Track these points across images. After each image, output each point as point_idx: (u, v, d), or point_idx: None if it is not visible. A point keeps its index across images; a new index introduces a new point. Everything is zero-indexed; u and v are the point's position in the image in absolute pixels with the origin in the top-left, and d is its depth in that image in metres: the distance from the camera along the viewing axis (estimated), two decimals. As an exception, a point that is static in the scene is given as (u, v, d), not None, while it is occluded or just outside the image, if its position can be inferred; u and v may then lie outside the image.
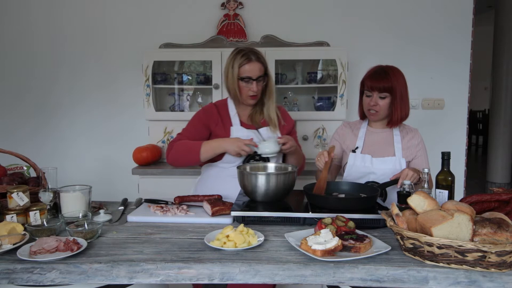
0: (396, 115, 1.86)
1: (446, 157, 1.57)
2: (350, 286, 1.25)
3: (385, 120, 1.93)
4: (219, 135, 1.92)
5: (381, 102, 1.84)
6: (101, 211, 1.62)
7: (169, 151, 1.89)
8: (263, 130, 1.95)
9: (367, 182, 1.83)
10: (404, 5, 3.32)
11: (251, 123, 1.97)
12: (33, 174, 1.83)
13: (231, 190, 1.84)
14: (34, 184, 1.72)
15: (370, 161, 1.88)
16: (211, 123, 1.94)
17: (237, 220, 1.54)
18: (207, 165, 2.02)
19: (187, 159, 1.86)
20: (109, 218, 1.59)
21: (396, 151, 1.90)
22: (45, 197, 1.60)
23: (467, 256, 1.11)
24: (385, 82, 1.81)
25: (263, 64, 1.88)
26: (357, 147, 1.92)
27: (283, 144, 1.82)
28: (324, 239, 1.23)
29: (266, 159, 1.88)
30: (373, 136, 1.95)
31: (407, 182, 1.60)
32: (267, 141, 1.80)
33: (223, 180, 1.94)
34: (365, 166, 1.88)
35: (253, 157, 1.88)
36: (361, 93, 1.93)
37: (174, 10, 3.40)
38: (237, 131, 1.92)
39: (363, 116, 1.98)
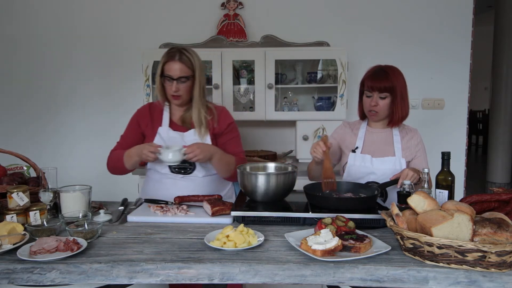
0: (397, 115, 1.86)
1: (446, 157, 1.57)
2: (350, 286, 1.25)
3: (385, 120, 1.93)
4: (147, 136, 1.90)
5: (381, 102, 1.84)
6: (101, 211, 1.62)
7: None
8: (189, 133, 1.89)
9: (367, 183, 1.83)
10: (404, 5, 3.32)
11: (182, 125, 1.91)
12: (33, 174, 1.83)
13: (167, 194, 1.84)
14: (34, 184, 1.72)
15: (370, 161, 1.88)
16: (142, 124, 1.92)
17: (237, 220, 1.54)
18: (149, 166, 1.97)
19: (118, 168, 1.87)
20: (109, 218, 1.59)
21: (396, 151, 1.89)
22: (45, 197, 1.60)
23: (467, 256, 1.11)
24: (385, 82, 1.81)
25: (187, 65, 1.79)
26: (356, 147, 1.92)
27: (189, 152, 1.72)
28: (324, 239, 1.23)
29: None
30: (373, 136, 1.95)
31: (407, 182, 1.60)
32: (170, 149, 1.71)
33: (159, 183, 1.92)
34: (365, 166, 1.88)
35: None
36: (361, 93, 1.93)
37: (174, 10, 3.40)
38: (163, 132, 1.88)
39: (363, 116, 1.98)
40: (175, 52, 1.80)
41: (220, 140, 1.93)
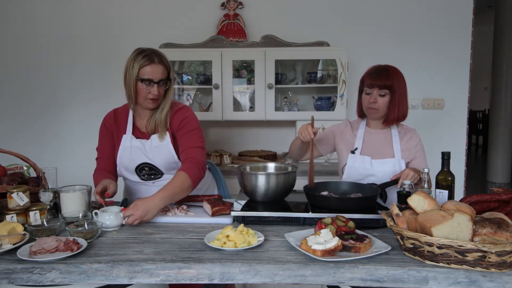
0: (393, 114, 1.85)
1: (446, 157, 1.57)
2: (350, 286, 1.25)
3: (382, 119, 1.92)
4: (115, 144, 1.83)
5: (380, 100, 1.83)
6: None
7: None
8: (151, 140, 1.80)
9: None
10: (404, 5, 3.32)
11: (147, 131, 1.82)
12: (33, 174, 1.83)
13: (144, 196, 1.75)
14: (34, 184, 1.72)
15: (370, 162, 1.87)
16: (110, 131, 1.84)
17: (237, 220, 1.54)
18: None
19: None
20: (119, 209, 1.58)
21: (396, 153, 1.89)
22: (45, 197, 1.60)
23: (467, 256, 1.11)
24: (385, 79, 1.81)
25: (166, 67, 1.75)
26: (356, 148, 1.91)
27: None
28: (324, 239, 1.23)
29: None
30: (372, 137, 1.94)
31: (407, 182, 1.60)
32: (106, 213, 1.50)
33: (134, 190, 1.91)
34: (364, 168, 1.87)
35: (143, 168, 1.82)
36: (360, 92, 1.93)
37: (174, 10, 3.40)
38: (126, 140, 1.80)
39: (361, 114, 1.98)
40: (152, 54, 1.72)
41: (177, 139, 1.82)
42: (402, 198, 1.52)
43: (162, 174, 1.84)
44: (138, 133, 1.84)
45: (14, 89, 3.52)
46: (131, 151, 1.80)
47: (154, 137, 1.80)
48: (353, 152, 1.91)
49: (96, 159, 1.87)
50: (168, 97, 1.80)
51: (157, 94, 1.73)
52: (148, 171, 1.83)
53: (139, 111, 1.84)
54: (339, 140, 1.99)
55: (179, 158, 1.80)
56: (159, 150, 1.79)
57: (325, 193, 1.69)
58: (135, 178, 1.86)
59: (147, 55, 1.71)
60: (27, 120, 3.53)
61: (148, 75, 1.70)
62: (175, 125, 1.81)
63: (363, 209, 1.53)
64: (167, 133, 1.80)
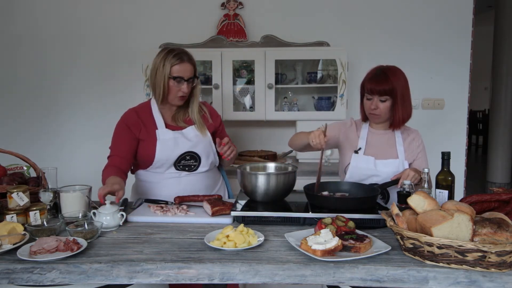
0: (397, 118, 1.83)
1: (446, 157, 1.57)
2: (350, 286, 1.25)
3: (387, 122, 1.92)
4: (145, 140, 1.87)
5: (381, 105, 1.82)
6: (107, 202, 1.59)
7: None
8: (188, 130, 1.91)
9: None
10: (404, 5, 3.32)
11: (175, 124, 1.93)
12: (33, 174, 1.83)
13: (169, 193, 1.84)
14: (34, 184, 1.72)
15: (374, 163, 1.86)
16: (134, 130, 1.87)
17: (237, 220, 1.54)
18: (140, 170, 1.96)
19: None
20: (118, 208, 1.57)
21: (399, 153, 1.88)
22: (45, 197, 1.60)
23: (467, 256, 1.11)
24: (385, 85, 1.78)
25: (193, 65, 1.87)
26: (359, 148, 1.90)
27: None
28: (324, 239, 1.23)
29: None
30: (375, 138, 1.93)
31: (407, 182, 1.60)
32: (108, 213, 1.49)
33: (160, 184, 1.91)
34: (368, 168, 1.86)
35: (184, 157, 1.88)
36: (362, 96, 1.92)
37: (174, 10, 3.40)
38: (163, 133, 1.87)
39: (365, 118, 1.96)
40: (181, 54, 1.83)
41: (216, 135, 1.99)
42: (402, 198, 1.52)
43: (199, 165, 1.92)
44: (170, 127, 1.91)
45: (15, 89, 3.52)
46: (174, 141, 1.87)
47: (191, 129, 1.92)
48: (356, 152, 1.90)
49: (108, 157, 1.87)
50: (196, 94, 1.93)
51: (186, 92, 1.85)
52: (188, 160, 1.89)
53: (165, 108, 1.94)
54: (343, 139, 1.97)
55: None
56: (200, 138, 1.91)
57: (325, 193, 1.69)
58: (170, 170, 1.89)
59: (178, 54, 1.82)
60: (27, 120, 3.53)
61: (179, 73, 1.81)
62: (216, 124, 2.02)
63: (363, 209, 1.53)
64: (205, 127, 1.95)
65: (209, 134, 1.95)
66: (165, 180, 1.91)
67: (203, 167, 1.93)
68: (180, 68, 1.81)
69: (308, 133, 1.76)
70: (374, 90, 1.80)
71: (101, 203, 1.53)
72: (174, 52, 1.82)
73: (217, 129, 2.04)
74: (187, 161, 1.89)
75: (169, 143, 1.86)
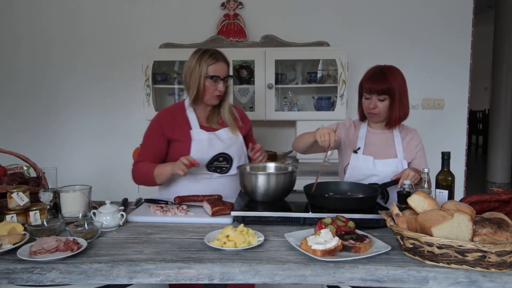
0: (394, 116, 1.84)
1: (446, 157, 1.57)
2: (350, 286, 1.25)
3: (385, 121, 1.92)
4: (180, 140, 1.87)
5: (380, 105, 1.83)
6: (107, 201, 1.59)
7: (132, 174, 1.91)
8: (221, 132, 1.92)
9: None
10: (404, 5, 3.32)
11: (209, 125, 1.94)
12: (33, 174, 1.83)
13: (202, 192, 1.84)
14: (34, 184, 1.72)
15: (373, 162, 1.87)
16: (166, 131, 1.87)
17: (237, 220, 1.54)
18: None
19: (148, 183, 1.88)
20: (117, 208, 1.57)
21: (398, 153, 1.89)
22: (45, 197, 1.60)
23: (467, 256, 1.11)
24: (383, 84, 1.79)
25: (228, 65, 1.90)
26: (358, 148, 1.91)
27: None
28: (324, 239, 1.23)
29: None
30: (374, 137, 1.94)
31: (407, 182, 1.60)
32: (108, 213, 1.49)
33: (191, 185, 1.91)
34: (367, 168, 1.86)
35: (217, 159, 1.88)
36: (360, 95, 1.92)
37: (174, 10, 3.40)
38: (198, 134, 1.88)
39: (363, 117, 1.97)
40: (217, 53, 1.86)
41: (246, 139, 2.04)
42: (402, 198, 1.52)
43: (231, 167, 1.92)
44: (204, 128, 1.92)
45: (15, 90, 3.52)
46: (209, 142, 1.88)
47: (224, 131, 1.93)
48: (355, 151, 1.90)
49: (140, 154, 1.90)
50: (229, 93, 1.96)
51: (223, 90, 1.87)
52: (221, 162, 1.90)
53: (199, 109, 1.95)
54: (344, 139, 1.98)
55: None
56: (233, 140, 1.93)
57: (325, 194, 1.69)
58: (202, 171, 1.89)
59: (213, 54, 1.86)
60: (27, 120, 3.54)
61: (216, 73, 1.84)
62: (247, 127, 2.05)
63: (363, 209, 1.53)
64: (237, 129, 1.97)
65: (241, 137, 1.98)
66: (196, 181, 1.90)
67: (233, 170, 1.92)
68: (216, 68, 1.83)
69: (313, 133, 1.76)
70: (373, 89, 1.81)
71: (101, 204, 1.53)
72: (209, 53, 1.85)
73: (248, 133, 2.06)
74: (220, 163, 1.89)
75: (204, 143, 1.87)
